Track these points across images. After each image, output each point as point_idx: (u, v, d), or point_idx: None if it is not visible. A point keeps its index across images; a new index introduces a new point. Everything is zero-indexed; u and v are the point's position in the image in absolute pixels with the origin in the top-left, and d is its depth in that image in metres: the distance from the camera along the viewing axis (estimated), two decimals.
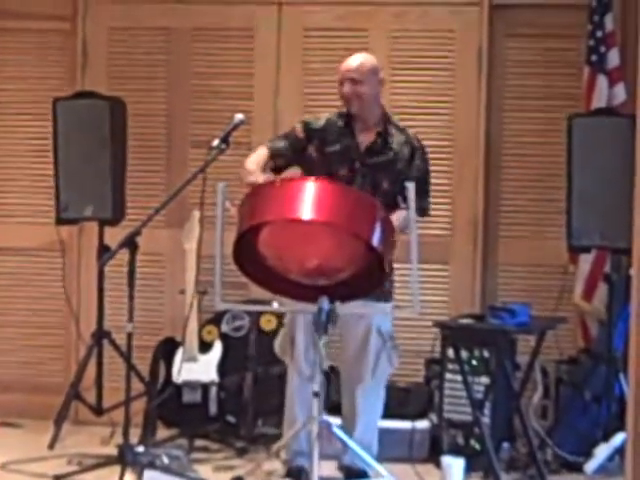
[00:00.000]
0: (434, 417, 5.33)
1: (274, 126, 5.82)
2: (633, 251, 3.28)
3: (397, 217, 4.42)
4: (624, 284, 4.94)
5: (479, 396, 5.05)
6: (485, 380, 5.13)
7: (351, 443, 4.48)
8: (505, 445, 5.14)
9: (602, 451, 4.80)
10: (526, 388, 5.21)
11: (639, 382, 3.19)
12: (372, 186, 4.69)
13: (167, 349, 5.51)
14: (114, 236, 5.24)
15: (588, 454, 4.85)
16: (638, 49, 3.44)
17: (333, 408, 4.97)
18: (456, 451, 5.01)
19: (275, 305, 5.22)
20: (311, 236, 4.11)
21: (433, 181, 4.86)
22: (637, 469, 3.18)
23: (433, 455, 5.20)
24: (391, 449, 5.03)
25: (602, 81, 5.49)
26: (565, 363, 5.43)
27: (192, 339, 5.39)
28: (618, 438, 4.72)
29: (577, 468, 4.95)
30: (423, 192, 4.68)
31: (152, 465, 4.68)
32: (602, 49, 5.49)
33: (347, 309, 4.40)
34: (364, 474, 4.65)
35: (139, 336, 5.05)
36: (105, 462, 4.75)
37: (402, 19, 5.82)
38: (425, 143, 4.87)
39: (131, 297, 4.62)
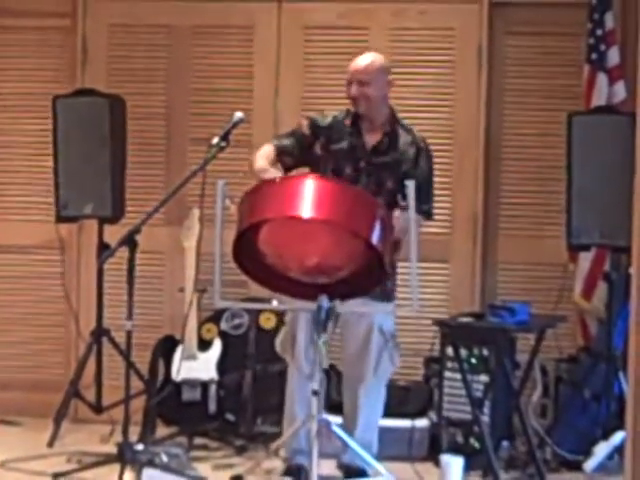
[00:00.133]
0: (433, 416, 5.33)
1: (274, 124, 5.83)
2: (633, 249, 3.28)
3: (400, 218, 4.40)
4: (624, 283, 4.94)
5: (478, 395, 5.05)
6: (484, 379, 5.13)
7: (350, 442, 4.48)
8: (504, 444, 5.14)
9: (601, 450, 4.79)
10: (525, 387, 5.21)
11: (638, 381, 3.19)
12: (377, 185, 4.69)
13: (166, 347, 5.51)
14: (114, 234, 5.24)
15: (587, 453, 4.84)
16: (638, 47, 3.44)
17: (333, 407, 4.97)
18: (455, 450, 5.00)
19: (274, 303, 5.23)
20: (311, 234, 4.11)
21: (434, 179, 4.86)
22: (636, 467, 3.18)
23: (432, 453, 5.21)
24: (390, 447, 5.03)
25: (602, 79, 5.49)
26: (564, 362, 5.43)
27: (191, 337, 5.39)
28: (617, 437, 4.71)
29: (576, 467, 4.94)
30: (425, 194, 4.68)
31: (151, 463, 4.68)
32: (602, 47, 5.49)
33: (349, 308, 4.40)
34: (363, 473, 4.65)
35: (138, 334, 5.05)
36: (104, 460, 4.75)
37: (402, 17, 5.82)
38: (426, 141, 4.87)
39: (130, 295, 4.62)
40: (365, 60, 4.75)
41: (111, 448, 4.85)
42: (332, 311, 4.19)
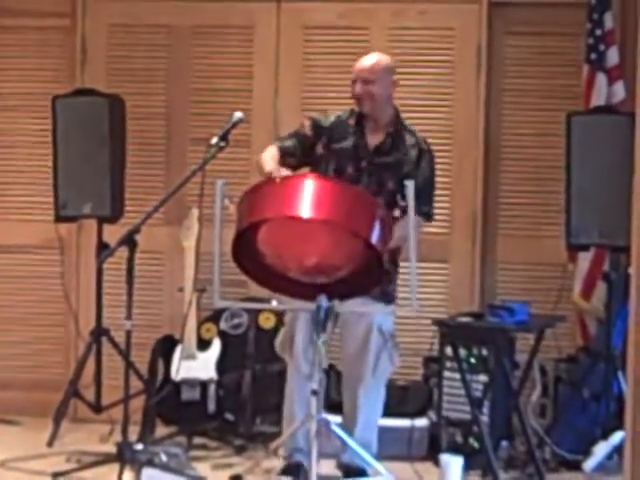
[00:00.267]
0: (433, 415, 5.33)
1: (273, 124, 5.83)
2: (632, 249, 3.28)
3: (400, 227, 4.40)
4: (623, 282, 4.94)
5: (478, 394, 5.05)
6: (484, 378, 5.13)
7: (350, 441, 4.48)
8: (504, 443, 5.14)
9: (601, 449, 4.80)
10: (525, 386, 5.21)
11: (638, 380, 3.19)
12: (378, 185, 4.69)
13: (166, 347, 5.52)
14: (113, 234, 5.24)
15: (587, 452, 4.84)
16: (637, 47, 3.43)
17: (333, 406, 4.97)
18: (455, 449, 5.01)
19: (274, 303, 5.24)
20: (310, 234, 4.10)
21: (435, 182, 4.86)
22: (636, 467, 3.18)
23: (432, 453, 5.21)
24: (390, 447, 5.03)
25: (601, 79, 5.49)
26: (564, 361, 5.43)
27: (191, 337, 5.39)
28: (617, 436, 4.72)
29: (576, 466, 4.95)
30: (427, 196, 4.69)
31: (151, 463, 4.68)
32: (601, 47, 5.49)
33: (348, 307, 4.40)
34: (363, 472, 4.64)
35: (138, 334, 5.05)
36: (104, 460, 4.75)
37: (402, 17, 5.82)
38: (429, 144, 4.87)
39: (130, 295, 4.62)
40: (371, 59, 4.76)
41: (110, 448, 4.85)
42: (331, 311, 4.19)
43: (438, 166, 4.95)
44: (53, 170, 5.61)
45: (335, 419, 4.58)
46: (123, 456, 4.56)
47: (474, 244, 5.76)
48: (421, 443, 5.31)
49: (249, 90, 5.91)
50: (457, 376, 5.04)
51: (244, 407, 5.43)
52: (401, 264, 4.69)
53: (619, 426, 4.55)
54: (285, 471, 4.73)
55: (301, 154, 4.73)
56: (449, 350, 5.11)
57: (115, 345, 5.45)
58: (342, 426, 4.59)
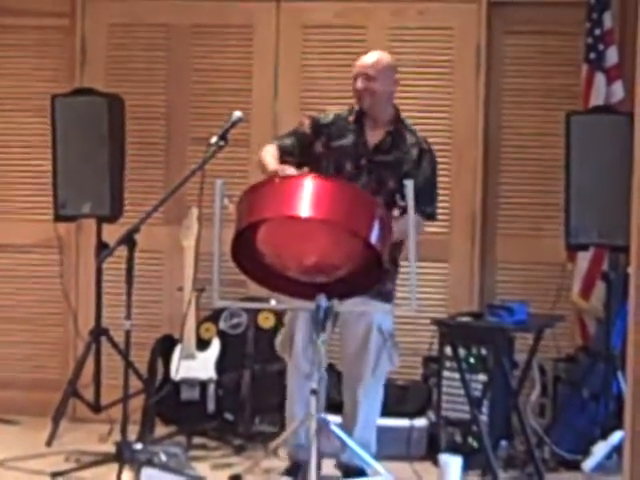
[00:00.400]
0: (432, 415, 5.33)
1: (273, 123, 5.83)
2: (631, 249, 3.28)
3: (400, 222, 4.40)
4: (622, 282, 4.94)
5: (477, 394, 5.05)
6: (483, 378, 5.13)
7: (349, 441, 4.47)
8: (503, 443, 5.14)
9: (600, 449, 4.80)
10: (524, 386, 5.21)
11: (637, 380, 3.20)
12: (377, 184, 4.68)
13: (165, 346, 5.51)
14: (112, 233, 5.24)
15: (586, 452, 4.84)
16: (636, 47, 3.43)
17: (333, 406, 4.97)
18: (454, 449, 5.00)
19: (273, 302, 5.23)
20: (309, 233, 4.10)
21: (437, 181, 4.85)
22: (635, 467, 3.18)
23: (431, 453, 5.21)
24: (389, 447, 5.03)
25: (600, 79, 5.49)
26: (563, 361, 5.43)
27: (190, 336, 5.39)
28: (616, 436, 4.72)
29: (575, 466, 4.94)
30: (428, 196, 4.69)
31: (150, 462, 4.68)
32: (600, 47, 5.49)
33: (347, 307, 4.40)
34: (362, 472, 4.64)
35: (137, 333, 5.05)
36: (103, 459, 4.75)
37: (401, 16, 5.82)
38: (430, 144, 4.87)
39: (129, 294, 4.62)
40: (373, 56, 4.76)
41: (110, 447, 4.85)
42: (331, 310, 4.18)
43: (438, 165, 4.94)
44: (52, 169, 5.61)
45: (335, 419, 4.57)
46: (122, 456, 4.56)
47: (473, 244, 5.76)
48: (420, 443, 5.31)
49: (248, 89, 5.91)
50: (456, 376, 5.04)
51: (243, 407, 5.43)
52: (401, 263, 4.68)
53: (618, 426, 4.55)
54: (289, 470, 4.73)
55: (300, 153, 4.73)
56: (448, 350, 5.11)
57: (114, 345, 5.45)
58: (342, 426, 4.59)
